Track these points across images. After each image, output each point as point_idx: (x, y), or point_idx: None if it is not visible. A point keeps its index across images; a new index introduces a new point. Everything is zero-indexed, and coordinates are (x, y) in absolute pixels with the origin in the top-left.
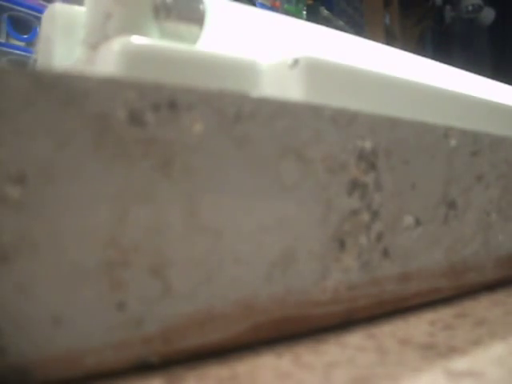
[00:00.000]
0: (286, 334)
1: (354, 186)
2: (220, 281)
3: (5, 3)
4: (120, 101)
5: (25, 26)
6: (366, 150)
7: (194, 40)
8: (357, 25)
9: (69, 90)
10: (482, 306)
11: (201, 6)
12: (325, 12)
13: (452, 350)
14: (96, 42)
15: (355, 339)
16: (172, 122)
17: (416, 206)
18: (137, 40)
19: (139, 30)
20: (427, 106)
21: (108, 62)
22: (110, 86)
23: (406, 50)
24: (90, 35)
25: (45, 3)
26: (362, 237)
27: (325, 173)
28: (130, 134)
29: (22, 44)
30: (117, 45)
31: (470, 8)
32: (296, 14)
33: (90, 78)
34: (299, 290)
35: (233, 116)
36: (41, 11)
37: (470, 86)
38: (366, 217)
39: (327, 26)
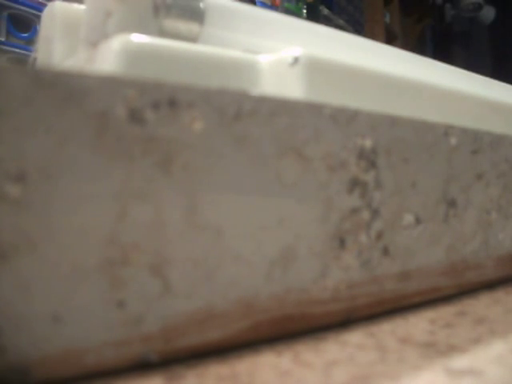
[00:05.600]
0: (285, 332)
1: (354, 184)
2: (220, 279)
3: (5, 1)
4: (120, 99)
5: (25, 25)
6: (366, 148)
7: (193, 38)
8: (357, 23)
9: (68, 88)
10: (482, 305)
11: (201, 4)
12: (325, 10)
13: (452, 349)
14: (96, 40)
15: (355, 337)
16: (172, 120)
17: (416, 204)
18: (137, 38)
19: (139, 28)
20: (427, 105)
21: (108, 60)
22: (110, 84)
23: (406, 48)
24: (89, 33)
25: (45, 1)
26: (362, 235)
27: (325, 171)
28: (129, 131)
29: (21, 42)
30: (116, 43)
31: (471, 7)
32: (296, 13)
33: (89, 76)
34: (299, 288)
35: (233, 114)
36: (41, 9)
37: (469, 85)
38: (366, 215)
39: (327, 24)
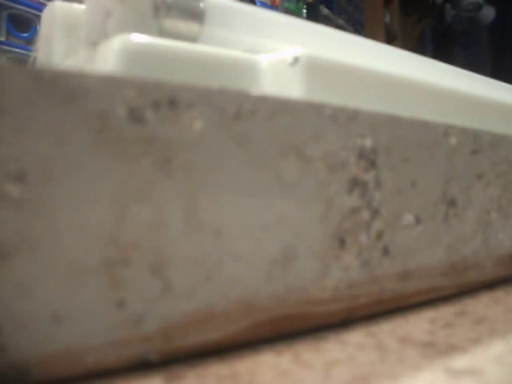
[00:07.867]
0: (286, 332)
1: (354, 184)
2: (220, 279)
3: (5, 1)
4: (120, 99)
5: (25, 24)
6: (366, 148)
7: (193, 38)
8: (357, 23)
9: (69, 88)
10: (482, 305)
11: (201, 4)
12: (325, 10)
13: (452, 348)
14: (96, 40)
15: (355, 337)
16: (172, 120)
17: (416, 204)
18: (137, 38)
19: (139, 28)
20: (427, 105)
21: (108, 60)
22: (110, 83)
23: (406, 48)
24: (89, 33)
25: (45, 1)
26: (362, 235)
27: (325, 171)
28: (129, 131)
29: (21, 42)
30: (117, 43)
31: (471, 7)
32: (296, 12)
33: (89, 75)
34: (299, 288)
35: (233, 114)
36: (41, 9)
37: (469, 85)
38: (366, 215)
39: (327, 24)
